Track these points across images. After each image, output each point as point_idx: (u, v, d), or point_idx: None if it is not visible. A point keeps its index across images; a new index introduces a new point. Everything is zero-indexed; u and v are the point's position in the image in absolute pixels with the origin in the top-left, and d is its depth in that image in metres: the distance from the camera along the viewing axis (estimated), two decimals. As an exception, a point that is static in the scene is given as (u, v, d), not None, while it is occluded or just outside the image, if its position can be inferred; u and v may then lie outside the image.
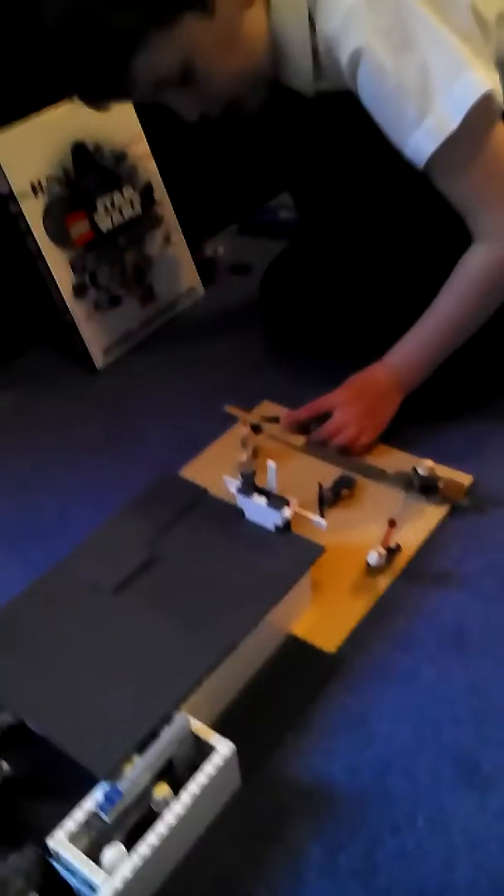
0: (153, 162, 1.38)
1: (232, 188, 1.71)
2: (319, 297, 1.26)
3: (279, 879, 0.68)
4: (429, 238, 1.09)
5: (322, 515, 1.01)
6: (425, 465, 1.01)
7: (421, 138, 0.93)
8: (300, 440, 1.12)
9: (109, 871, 0.64)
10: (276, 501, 0.89)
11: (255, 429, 1.14)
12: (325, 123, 1.07)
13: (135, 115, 1.34)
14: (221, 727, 0.77)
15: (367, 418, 1.09)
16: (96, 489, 1.11)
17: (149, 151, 1.37)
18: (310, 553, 0.88)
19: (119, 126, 1.32)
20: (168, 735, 0.70)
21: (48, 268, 1.26)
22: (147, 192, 1.38)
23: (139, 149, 1.35)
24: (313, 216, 1.28)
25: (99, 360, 1.34)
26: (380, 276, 1.17)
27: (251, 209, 1.75)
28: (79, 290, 1.30)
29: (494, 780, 0.74)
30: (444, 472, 1.04)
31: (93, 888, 0.64)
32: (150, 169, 1.38)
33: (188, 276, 1.49)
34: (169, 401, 1.27)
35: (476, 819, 0.71)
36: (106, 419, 1.25)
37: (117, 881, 0.63)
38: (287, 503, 0.89)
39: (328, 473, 1.07)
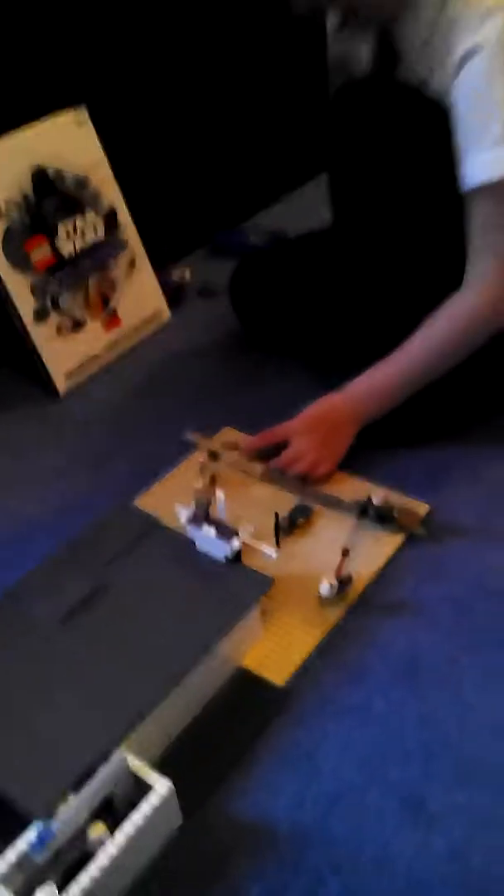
0: (116, 186, 1.38)
1: (200, 211, 1.71)
2: (296, 286, 1.27)
3: (218, 922, 0.67)
4: (436, 267, 1.08)
5: (278, 544, 1.00)
6: (380, 494, 1.00)
7: (492, 160, 0.92)
8: (259, 468, 1.11)
9: (40, 916, 0.62)
10: (225, 532, 0.88)
11: (213, 456, 1.13)
12: (398, 112, 1.05)
13: (96, 141, 1.34)
14: (166, 763, 0.77)
15: (324, 447, 1.08)
16: (55, 516, 1.09)
17: (112, 176, 1.37)
18: (259, 585, 0.86)
19: (80, 151, 1.32)
20: (105, 774, 0.68)
21: (8, 292, 1.25)
22: (110, 217, 1.38)
23: (101, 173, 1.35)
24: (345, 205, 1.23)
25: (61, 384, 1.34)
26: (376, 283, 1.16)
27: (220, 232, 1.75)
28: (40, 315, 1.30)
29: (440, 819, 0.72)
30: (400, 500, 1.03)
31: (22, 933, 0.62)
32: (113, 193, 1.38)
33: (154, 300, 1.48)
34: (132, 426, 1.26)
35: (420, 859, 0.70)
36: (67, 445, 1.24)
37: (46, 926, 0.61)
38: (236, 534, 0.88)
39: (286, 502, 1.06)
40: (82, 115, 1.32)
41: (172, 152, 1.61)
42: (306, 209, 1.89)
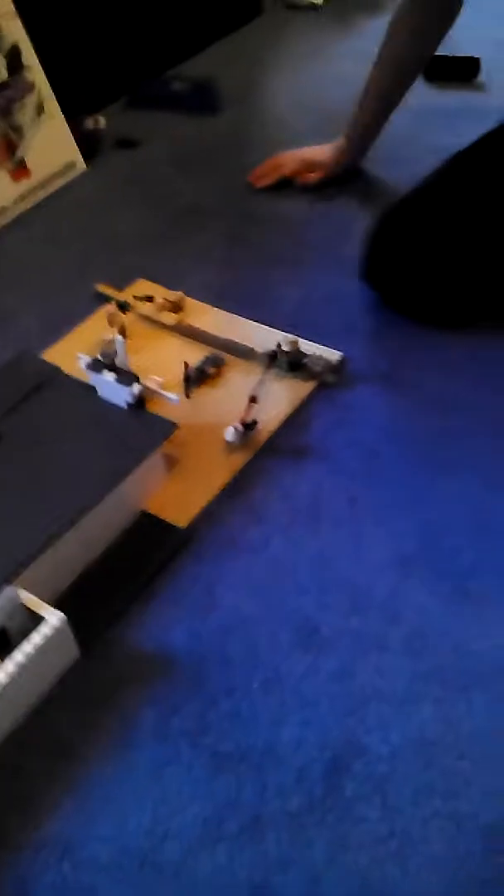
0: (19, 21, 1.27)
1: (119, 58, 1.61)
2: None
3: (111, 743, 0.69)
4: None
5: (188, 395, 0.99)
6: (289, 341, 0.99)
7: None
8: (171, 319, 1.09)
9: None
10: (126, 377, 0.86)
11: (123, 307, 1.10)
12: None
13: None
14: (67, 600, 0.77)
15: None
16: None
17: (13, 10, 1.26)
18: (161, 430, 0.86)
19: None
20: (-5, 607, 0.69)
21: None
22: (13, 56, 1.28)
23: (2, 7, 1.25)
24: None
25: (-32, 238, 1.28)
26: None
27: (142, 81, 1.65)
28: None
29: (331, 643, 0.75)
30: (313, 348, 1.02)
31: None
32: (15, 29, 1.27)
33: (66, 150, 1.40)
34: (42, 280, 1.22)
35: (309, 680, 0.72)
36: (-26, 300, 1.19)
37: None
38: (137, 379, 0.86)
39: (196, 353, 1.04)
40: None
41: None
42: (236, 58, 1.80)
